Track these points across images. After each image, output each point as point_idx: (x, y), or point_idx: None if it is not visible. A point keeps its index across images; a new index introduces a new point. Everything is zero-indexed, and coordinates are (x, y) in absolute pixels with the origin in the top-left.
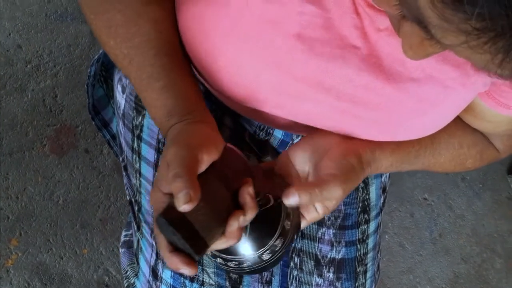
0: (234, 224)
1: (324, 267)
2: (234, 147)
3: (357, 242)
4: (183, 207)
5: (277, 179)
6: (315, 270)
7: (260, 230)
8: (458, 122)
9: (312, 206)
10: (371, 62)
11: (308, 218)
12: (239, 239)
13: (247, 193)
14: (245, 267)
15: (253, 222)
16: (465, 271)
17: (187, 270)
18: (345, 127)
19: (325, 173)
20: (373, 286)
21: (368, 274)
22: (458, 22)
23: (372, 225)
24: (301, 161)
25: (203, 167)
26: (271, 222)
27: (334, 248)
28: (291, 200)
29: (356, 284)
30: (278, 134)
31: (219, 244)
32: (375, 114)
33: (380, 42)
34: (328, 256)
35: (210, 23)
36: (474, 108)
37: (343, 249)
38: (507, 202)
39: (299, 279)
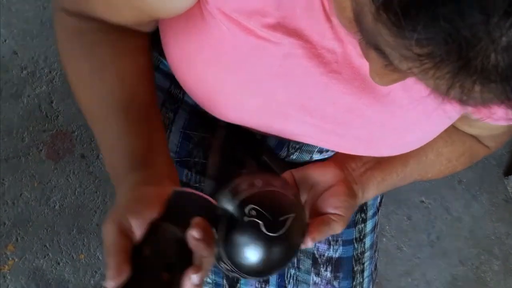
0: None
1: (322, 265)
2: (190, 190)
3: (354, 241)
4: (108, 283)
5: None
6: (312, 269)
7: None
8: (446, 138)
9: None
10: (354, 85)
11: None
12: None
13: (192, 238)
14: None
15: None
16: (463, 273)
17: None
18: (330, 144)
19: (331, 212)
20: (371, 285)
21: (366, 273)
22: (402, 48)
23: (369, 224)
24: (302, 187)
25: (136, 229)
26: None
27: (331, 247)
28: (308, 244)
29: (354, 283)
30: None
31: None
32: (358, 133)
33: (364, 67)
34: (325, 255)
35: (193, 51)
36: (465, 119)
37: (340, 248)
38: (504, 204)
39: (296, 277)
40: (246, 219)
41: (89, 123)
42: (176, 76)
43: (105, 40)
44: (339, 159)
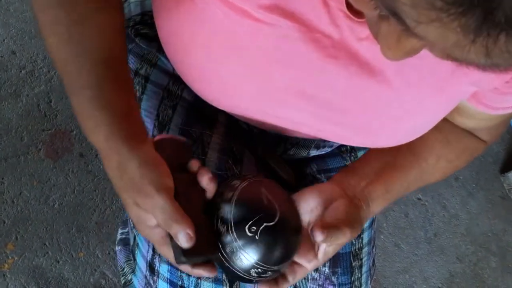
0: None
1: None
2: (164, 136)
3: None
4: (186, 245)
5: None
6: None
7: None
8: (443, 140)
9: (313, 253)
10: (350, 70)
11: (309, 266)
12: None
13: (204, 177)
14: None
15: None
16: (460, 270)
17: (211, 274)
18: (326, 134)
19: (334, 218)
20: (369, 281)
21: (364, 269)
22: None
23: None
24: (304, 211)
25: (173, 193)
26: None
27: None
28: (318, 237)
29: (352, 278)
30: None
31: None
32: (355, 121)
33: (361, 51)
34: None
35: (188, 38)
36: (462, 109)
37: None
38: (501, 201)
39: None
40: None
41: (61, 74)
42: (171, 63)
43: None
44: (337, 179)
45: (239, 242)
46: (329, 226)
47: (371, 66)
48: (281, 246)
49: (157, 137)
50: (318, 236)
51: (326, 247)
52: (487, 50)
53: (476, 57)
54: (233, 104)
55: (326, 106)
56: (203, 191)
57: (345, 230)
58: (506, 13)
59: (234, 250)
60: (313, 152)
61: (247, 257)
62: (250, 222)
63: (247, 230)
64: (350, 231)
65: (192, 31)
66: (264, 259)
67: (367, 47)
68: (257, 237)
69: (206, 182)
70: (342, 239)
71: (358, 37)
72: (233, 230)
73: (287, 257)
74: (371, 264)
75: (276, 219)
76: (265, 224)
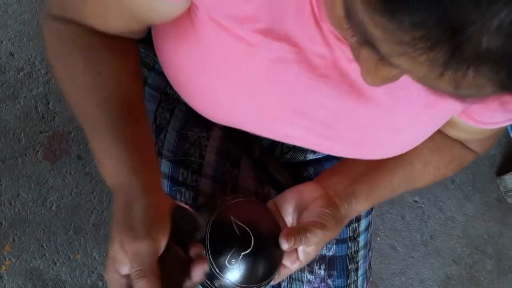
0: None
1: (315, 264)
2: (182, 204)
3: (348, 240)
4: None
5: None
6: (306, 267)
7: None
8: (433, 147)
9: (296, 255)
10: (342, 89)
11: (293, 267)
12: None
13: (198, 269)
14: None
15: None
16: (456, 272)
17: None
18: (322, 147)
19: (306, 221)
20: (365, 284)
21: (360, 272)
22: (394, 34)
23: (363, 223)
24: (286, 212)
25: (161, 251)
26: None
27: (325, 246)
28: (284, 245)
29: (348, 282)
30: None
31: None
32: (348, 136)
33: (352, 71)
34: (319, 253)
35: (183, 56)
36: (453, 123)
37: (334, 246)
38: (497, 204)
39: (290, 275)
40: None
41: (81, 122)
42: (168, 78)
43: (98, 43)
44: (320, 178)
45: (223, 276)
46: (295, 232)
47: (361, 86)
48: (263, 265)
49: (175, 203)
50: (284, 245)
51: (305, 248)
52: (456, 83)
53: (446, 88)
54: (227, 118)
55: (319, 122)
56: (187, 271)
57: (315, 232)
58: (474, 48)
59: (222, 283)
60: (310, 156)
61: (232, 283)
62: (228, 257)
63: (227, 264)
64: (321, 232)
65: (188, 50)
66: (247, 280)
67: (357, 68)
68: (240, 267)
69: (196, 275)
70: (314, 240)
71: (348, 58)
72: (215, 268)
73: (270, 272)
74: (367, 267)
75: (252, 245)
76: (242, 253)
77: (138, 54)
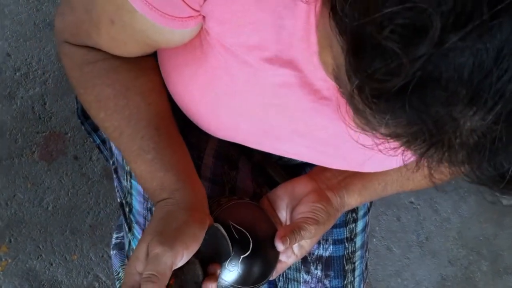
0: None
1: (312, 264)
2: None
3: (345, 240)
4: None
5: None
6: (302, 267)
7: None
8: None
9: (291, 250)
10: (343, 112)
11: (289, 261)
12: None
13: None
14: None
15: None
16: (452, 273)
17: None
18: (323, 163)
19: (298, 217)
20: (362, 285)
21: (357, 272)
22: (375, 123)
23: (360, 224)
24: (279, 208)
25: (181, 262)
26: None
27: (321, 246)
28: (279, 247)
29: (345, 282)
30: None
31: None
32: (348, 155)
33: None
34: (315, 253)
35: (189, 76)
36: None
37: (331, 247)
38: (492, 206)
39: (286, 275)
40: None
41: (115, 143)
42: (171, 94)
43: (118, 66)
44: (313, 172)
45: (222, 278)
46: (290, 232)
47: None
48: (261, 266)
49: (213, 223)
50: (279, 247)
51: (299, 243)
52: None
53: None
54: (229, 136)
55: (320, 142)
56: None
57: (309, 228)
58: (448, 146)
59: (220, 284)
60: None
61: (229, 283)
62: (228, 261)
63: (227, 267)
64: (315, 227)
65: (195, 71)
66: (245, 281)
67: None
68: (238, 270)
69: None
70: (308, 236)
71: None
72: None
73: (267, 272)
74: (364, 268)
75: (251, 247)
76: (242, 256)
77: (158, 68)
